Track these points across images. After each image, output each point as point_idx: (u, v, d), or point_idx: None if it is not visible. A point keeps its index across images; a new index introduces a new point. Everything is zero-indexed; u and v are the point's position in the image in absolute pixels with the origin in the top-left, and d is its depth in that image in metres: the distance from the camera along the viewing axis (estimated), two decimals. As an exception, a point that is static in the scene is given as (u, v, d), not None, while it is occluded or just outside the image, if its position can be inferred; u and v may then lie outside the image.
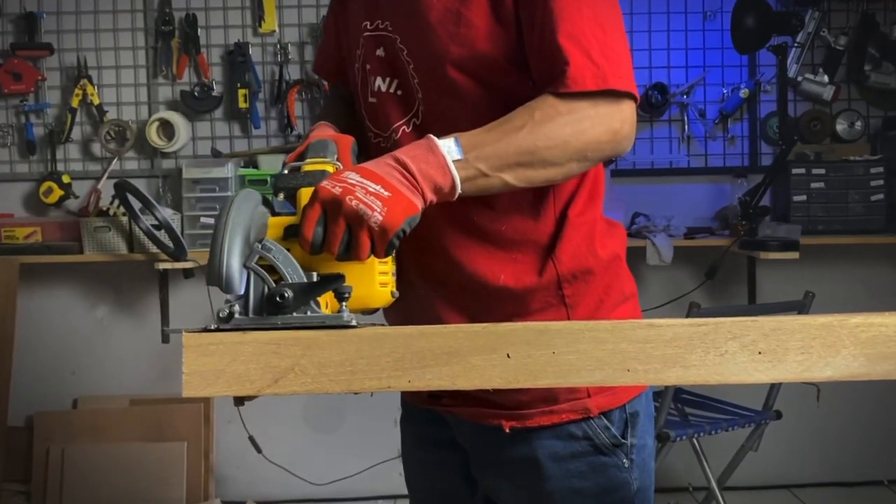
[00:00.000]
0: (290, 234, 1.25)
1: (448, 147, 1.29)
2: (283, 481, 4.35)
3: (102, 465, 4.13)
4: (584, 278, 1.52)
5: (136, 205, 3.94)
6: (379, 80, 1.55)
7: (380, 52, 1.55)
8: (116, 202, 4.10)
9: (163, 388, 4.34)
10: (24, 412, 4.28)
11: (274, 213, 1.31)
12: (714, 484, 3.55)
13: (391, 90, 1.54)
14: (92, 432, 4.19)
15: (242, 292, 1.17)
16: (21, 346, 4.26)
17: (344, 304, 1.16)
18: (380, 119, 1.56)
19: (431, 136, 1.31)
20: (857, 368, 1.05)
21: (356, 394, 1.07)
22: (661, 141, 4.41)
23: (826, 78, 4.31)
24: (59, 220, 4.26)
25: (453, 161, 1.28)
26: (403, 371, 1.05)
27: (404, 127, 1.53)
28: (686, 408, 3.67)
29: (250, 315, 1.16)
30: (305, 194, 1.28)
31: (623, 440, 1.55)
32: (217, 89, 4.33)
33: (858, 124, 4.38)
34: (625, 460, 1.55)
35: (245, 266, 1.18)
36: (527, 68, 1.44)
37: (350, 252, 1.21)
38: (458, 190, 1.29)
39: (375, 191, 1.20)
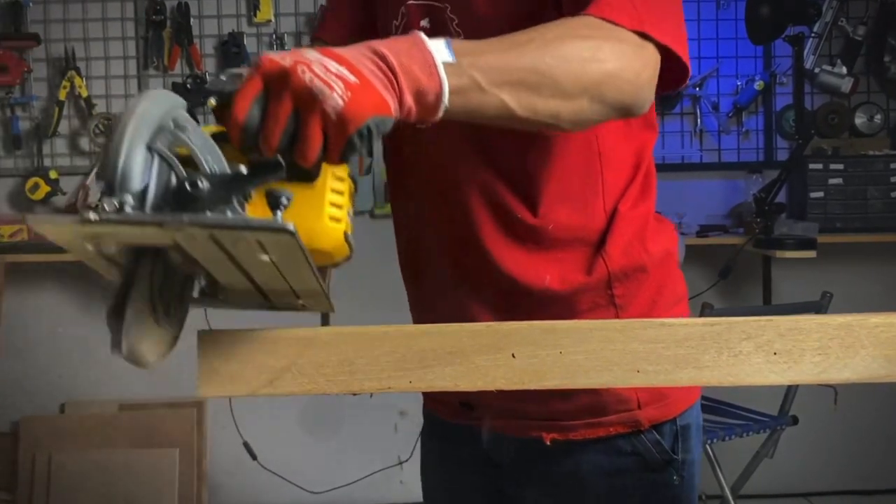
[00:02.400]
0: (219, 141, 0.95)
1: (437, 46, 1.03)
2: (278, 489, 4.36)
3: (91, 472, 4.14)
4: (637, 276, 1.46)
5: (126, 201, 3.93)
6: None
7: (425, 23, 1.43)
8: (105, 199, 4.09)
9: (153, 392, 4.35)
10: (10, 417, 4.29)
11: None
12: (728, 492, 3.55)
13: None
14: (80, 438, 4.20)
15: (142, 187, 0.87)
16: (6, 349, 4.27)
17: (279, 212, 0.91)
18: None
19: (418, 31, 1.06)
20: (877, 370, 1.05)
21: (355, 395, 1.06)
22: (673, 135, 4.41)
23: (844, 69, 4.31)
24: (46, 218, 4.26)
25: (443, 62, 1.02)
26: (404, 371, 1.05)
27: None
28: (698, 413, 3.67)
29: (147, 210, 0.87)
30: None
31: (675, 456, 1.49)
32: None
33: (878, 117, 4.38)
34: (675, 477, 1.49)
35: (149, 148, 0.88)
36: None
37: (295, 146, 0.93)
38: (445, 101, 1.02)
39: (338, 72, 0.92)
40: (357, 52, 0.97)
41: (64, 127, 4.33)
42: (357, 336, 1.07)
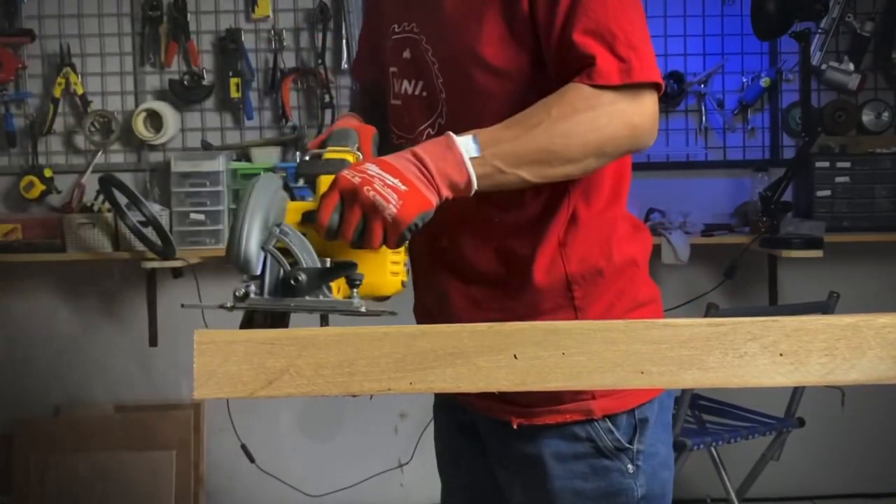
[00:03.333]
0: (308, 220, 1.37)
1: (466, 144, 1.38)
2: (277, 492, 4.35)
3: (86, 475, 4.14)
4: (594, 280, 1.60)
5: (122, 200, 3.94)
6: (405, 83, 1.66)
7: (406, 54, 1.65)
8: (101, 197, 4.09)
9: (150, 394, 4.35)
10: (4, 420, 4.29)
11: (293, 198, 1.42)
12: (733, 495, 3.55)
13: (416, 92, 1.64)
14: (75, 441, 4.20)
15: (258, 273, 1.29)
16: None
17: (355, 290, 1.30)
18: (404, 121, 1.67)
19: (450, 133, 1.39)
20: (885, 371, 1.05)
21: (354, 396, 1.07)
22: (678, 133, 4.41)
23: (851, 66, 4.31)
24: (41, 217, 4.26)
25: (470, 158, 1.37)
26: (404, 372, 1.05)
27: (429, 130, 1.62)
28: (703, 415, 3.67)
29: (265, 296, 1.29)
30: (325, 181, 1.38)
31: (628, 445, 1.61)
32: (208, 78, 4.33)
33: (886, 115, 4.37)
34: (629, 465, 1.61)
35: (263, 248, 1.29)
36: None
37: (363, 240, 1.32)
38: (475, 186, 1.38)
39: (392, 184, 1.31)
40: (405, 161, 1.35)
41: (59, 124, 4.32)
42: (357, 336, 1.07)
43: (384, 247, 1.34)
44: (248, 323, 1.36)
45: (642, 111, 1.45)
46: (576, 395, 1.58)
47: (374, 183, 1.30)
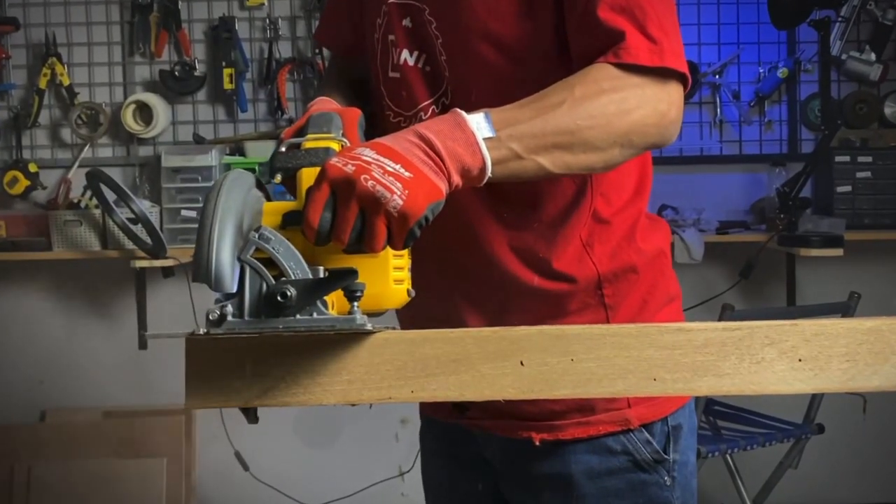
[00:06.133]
0: (290, 222, 1.17)
1: (478, 123, 1.22)
2: (272, 502, 4.36)
3: (73, 484, 4.14)
4: (627, 277, 1.54)
5: (111, 196, 3.94)
6: (405, 53, 1.53)
7: (406, 22, 1.53)
8: (88, 193, 4.10)
9: (139, 399, 4.35)
10: (-13, 425, 4.30)
11: (269, 198, 1.24)
12: (749, 505, 3.55)
13: (419, 65, 1.53)
14: (61, 448, 4.20)
15: (235, 290, 1.10)
16: (-17, 353, 4.29)
17: (356, 304, 1.10)
18: (402, 97, 1.55)
19: (458, 109, 1.24)
20: (909, 377, 1.05)
21: (353, 405, 1.06)
22: (691, 126, 4.40)
23: (873, 56, 4.30)
24: (25, 214, 4.27)
25: (484, 139, 1.21)
26: (406, 380, 1.05)
27: (433, 107, 1.52)
28: (719, 421, 3.67)
29: (246, 317, 1.10)
30: (308, 175, 1.21)
31: (665, 456, 1.55)
32: (200, 69, 4.33)
33: (909, 107, 4.37)
34: (666, 478, 1.55)
35: (239, 259, 1.11)
36: (567, 49, 1.43)
37: (362, 242, 1.13)
38: (489, 173, 1.22)
39: (394, 170, 1.12)
40: (407, 143, 1.16)
41: (44, 117, 4.32)
42: (355, 343, 1.07)
43: (386, 249, 1.16)
44: None
45: (670, 100, 1.34)
46: (609, 404, 1.52)
47: (373, 170, 1.11)
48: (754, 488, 3.71)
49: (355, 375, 1.05)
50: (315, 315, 1.09)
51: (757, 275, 4.16)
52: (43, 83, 4.27)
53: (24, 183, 4.23)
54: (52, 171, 4.36)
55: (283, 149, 1.28)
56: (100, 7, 4.36)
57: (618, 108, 1.29)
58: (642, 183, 1.59)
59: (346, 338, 1.09)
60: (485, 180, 1.23)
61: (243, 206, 1.14)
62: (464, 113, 1.23)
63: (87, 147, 4.33)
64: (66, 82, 4.27)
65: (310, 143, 1.27)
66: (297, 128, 1.35)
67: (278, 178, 1.27)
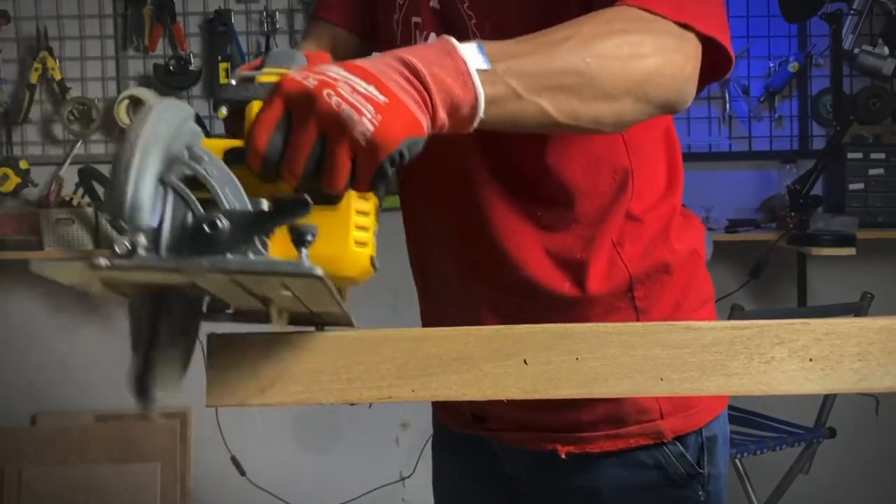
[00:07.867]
0: (233, 160, 0.96)
1: (470, 52, 1.03)
2: (269, 508, 4.36)
3: (65, 489, 4.14)
4: (659, 278, 1.48)
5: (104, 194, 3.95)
6: (433, 38, 1.34)
7: (434, 3, 1.44)
8: (81, 191, 4.11)
9: (132, 402, 4.33)
10: (-23, 429, 4.30)
11: (208, 135, 1.00)
12: (759, 511, 3.55)
13: None
14: (53, 452, 4.20)
15: (156, 224, 0.88)
16: (-27, 355, 4.29)
17: (304, 250, 0.89)
18: None
19: (448, 36, 1.05)
20: (923, 378, 1.05)
21: (352, 405, 1.06)
22: (700, 122, 4.41)
23: (886, 50, 4.30)
24: (16, 212, 4.27)
25: (477, 70, 1.02)
26: (406, 379, 1.05)
27: None
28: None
29: (162, 252, 0.88)
30: (258, 108, 0.98)
31: (700, 469, 1.49)
32: (195, 63, 4.33)
33: (923, 102, 4.37)
34: (701, 493, 1.50)
35: (162, 181, 0.89)
36: None
37: (321, 175, 0.94)
38: (480, 113, 1.03)
39: (366, 91, 0.92)
40: (384, 66, 0.96)
41: (35, 113, 4.33)
42: (355, 340, 1.07)
43: (349, 194, 0.98)
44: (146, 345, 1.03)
45: (687, 53, 1.19)
46: (640, 416, 1.46)
47: (339, 86, 0.91)
48: (764, 494, 3.70)
49: (354, 374, 1.05)
50: (251, 255, 0.88)
51: (767, 274, 4.16)
52: (34, 78, 4.27)
53: (14, 180, 4.23)
54: (44, 168, 4.35)
55: (234, 82, 1.07)
56: (92, 0, 4.36)
57: (633, 50, 1.14)
58: (673, 175, 1.53)
59: (345, 338, 1.07)
60: (475, 123, 1.04)
61: (176, 135, 0.92)
62: (454, 39, 1.04)
63: (79, 143, 4.33)
64: (58, 77, 4.28)
65: (264, 77, 1.05)
66: (255, 64, 1.15)
67: (223, 111, 1.06)
